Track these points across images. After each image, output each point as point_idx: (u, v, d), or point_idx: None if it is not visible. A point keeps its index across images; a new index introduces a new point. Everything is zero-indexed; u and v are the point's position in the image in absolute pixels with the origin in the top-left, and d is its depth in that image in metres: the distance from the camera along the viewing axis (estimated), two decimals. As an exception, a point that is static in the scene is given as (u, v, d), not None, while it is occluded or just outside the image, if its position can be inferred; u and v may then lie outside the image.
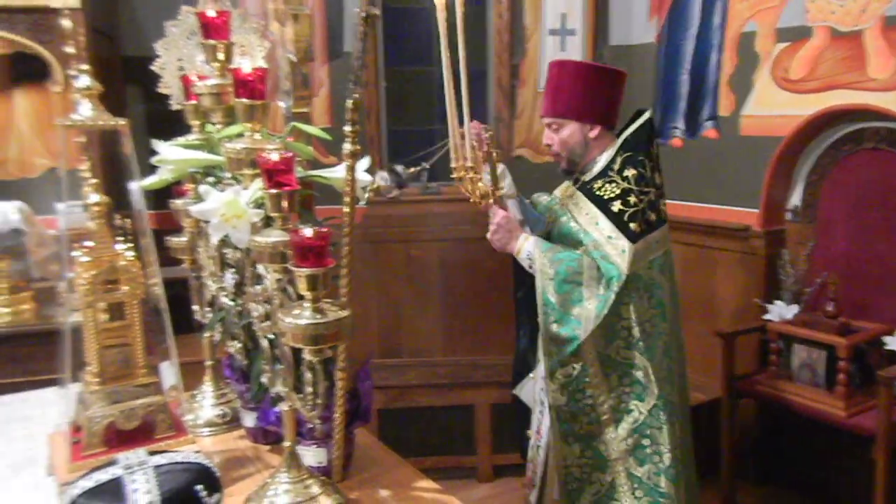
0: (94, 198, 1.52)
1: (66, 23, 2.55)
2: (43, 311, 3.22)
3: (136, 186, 1.55)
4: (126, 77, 3.53)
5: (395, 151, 4.05)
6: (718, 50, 3.63)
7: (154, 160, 1.54)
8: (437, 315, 4.12)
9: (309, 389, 1.36)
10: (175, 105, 1.93)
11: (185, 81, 1.67)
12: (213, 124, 1.67)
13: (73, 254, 1.53)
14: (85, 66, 1.45)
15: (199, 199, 1.66)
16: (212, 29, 1.46)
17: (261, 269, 1.43)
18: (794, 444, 3.46)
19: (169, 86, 1.90)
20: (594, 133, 2.18)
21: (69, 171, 1.62)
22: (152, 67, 1.86)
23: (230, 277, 1.68)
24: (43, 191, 3.57)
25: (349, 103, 1.35)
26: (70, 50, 2.62)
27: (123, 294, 1.56)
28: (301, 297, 1.30)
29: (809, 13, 3.21)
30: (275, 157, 1.27)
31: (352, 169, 1.41)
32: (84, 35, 1.57)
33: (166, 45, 1.84)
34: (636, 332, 2.05)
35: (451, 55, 1.89)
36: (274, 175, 1.29)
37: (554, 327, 2.05)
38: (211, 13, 1.44)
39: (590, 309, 2.01)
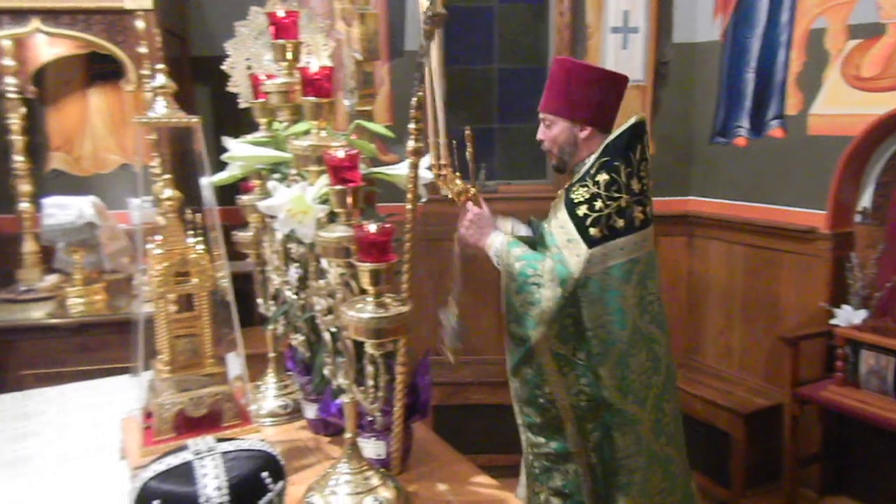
0: (168, 193, 1.57)
1: (139, 24, 2.66)
2: (113, 302, 3.35)
3: (207, 182, 1.60)
4: (195, 76, 3.63)
5: (456, 150, 4.07)
6: (786, 47, 3.54)
7: (224, 157, 1.59)
8: (491, 313, 4.11)
9: (370, 382, 1.38)
10: (243, 103, 1.98)
11: (254, 80, 1.71)
12: (280, 122, 1.71)
13: (147, 247, 1.59)
14: (161, 66, 1.50)
15: (265, 195, 1.71)
16: (281, 29, 1.49)
17: (324, 263, 1.46)
18: (859, 453, 3.35)
19: (237, 84, 1.96)
20: (584, 134, 2.17)
21: (143, 167, 1.68)
22: (222, 67, 1.91)
23: (294, 272, 1.72)
24: (115, 186, 3.72)
25: (413, 101, 1.37)
26: (143, 50, 2.74)
27: (193, 286, 1.61)
28: (364, 292, 1.32)
29: (883, 10, 3.10)
30: (341, 154, 1.30)
31: (415, 166, 1.43)
32: (160, 36, 1.62)
33: (235, 45, 1.89)
34: (588, 335, 2.05)
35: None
36: (339, 172, 1.32)
37: (513, 326, 2.10)
38: (280, 13, 1.47)
39: (545, 310, 2.03)
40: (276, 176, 1.68)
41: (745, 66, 3.75)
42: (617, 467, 2.08)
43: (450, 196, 2.12)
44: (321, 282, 1.52)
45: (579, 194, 2.06)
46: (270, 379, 1.96)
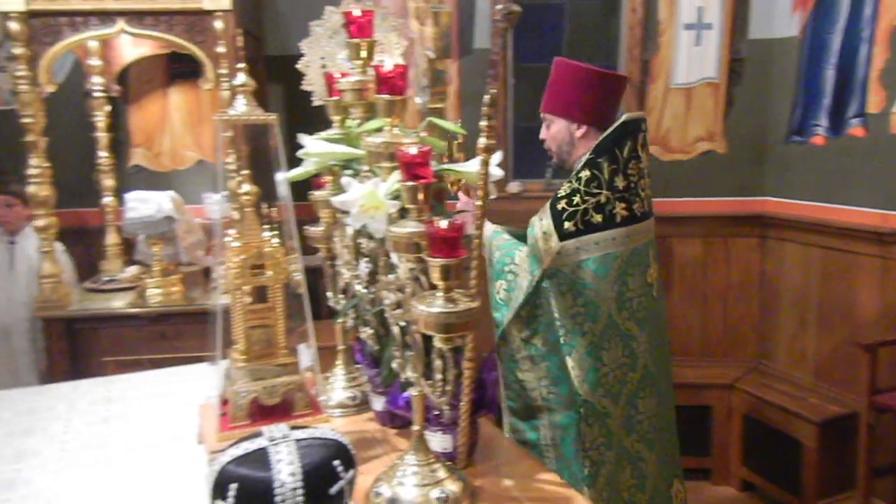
0: (245, 188, 1.62)
1: (218, 24, 2.75)
2: (189, 294, 3.47)
3: (282, 178, 1.65)
4: (269, 75, 3.73)
5: (521, 148, 4.07)
6: (868, 43, 3.41)
7: (299, 153, 1.63)
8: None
9: (438, 376, 1.40)
10: (316, 101, 2.03)
11: (329, 78, 1.75)
12: (353, 119, 1.75)
13: (225, 240, 1.65)
14: (242, 65, 1.55)
15: (337, 191, 1.75)
16: (356, 28, 1.53)
17: (394, 258, 1.48)
18: (942, 467, 3.21)
19: (312, 83, 2.00)
20: (580, 132, 2.22)
21: (220, 163, 1.74)
22: (297, 66, 1.96)
23: (364, 266, 1.75)
24: (191, 181, 3.85)
25: (486, 99, 1.38)
26: (221, 49, 2.83)
27: (268, 278, 1.66)
28: (433, 287, 1.34)
29: (976, 2, 2.97)
30: (413, 150, 1.32)
31: (486, 163, 1.45)
32: (241, 35, 1.67)
33: (310, 44, 1.93)
34: (556, 326, 2.07)
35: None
36: (411, 168, 1.34)
37: (493, 311, 2.18)
38: (356, 13, 1.50)
39: (515, 298, 2.11)
40: (348, 172, 1.72)
41: (825, 62, 3.63)
42: (582, 458, 2.07)
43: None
44: (391, 276, 1.55)
45: (563, 189, 2.11)
46: (339, 371, 2.00)
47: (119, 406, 1.93)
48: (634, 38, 3.93)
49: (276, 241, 1.70)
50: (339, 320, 1.96)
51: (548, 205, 2.12)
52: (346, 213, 1.82)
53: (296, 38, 2.02)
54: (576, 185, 2.08)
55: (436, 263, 1.29)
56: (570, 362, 2.06)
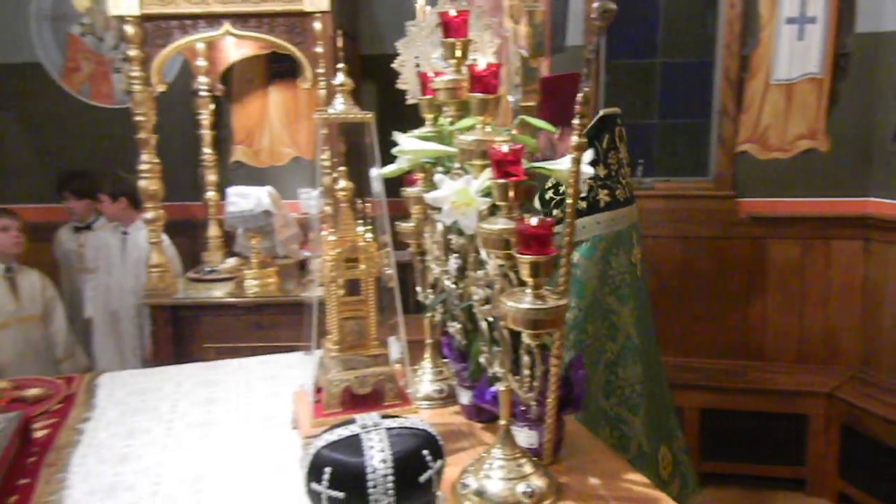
0: (341, 184, 1.68)
1: (317, 25, 2.84)
2: (284, 285, 3.60)
3: (377, 174, 1.70)
4: (363, 74, 3.82)
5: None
6: None
7: (394, 150, 1.68)
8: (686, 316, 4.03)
9: (526, 372, 1.41)
10: (410, 100, 2.07)
11: (423, 77, 1.79)
12: (445, 117, 1.78)
13: (322, 234, 1.71)
14: (341, 65, 1.60)
15: (429, 188, 1.79)
16: (451, 27, 1.55)
17: (484, 254, 1.51)
18: None
19: (406, 81, 2.05)
20: (557, 135, 2.39)
21: (318, 160, 1.80)
22: (392, 65, 2.01)
23: (454, 262, 1.78)
24: (288, 177, 3.99)
25: (580, 97, 1.39)
26: (319, 49, 2.92)
27: (361, 272, 1.71)
28: (522, 283, 1.36)
29: None
30: (505, 148, 1.34)
31: (577, 161, 1.45)
32: (341, 37, 1.73)
33: (405, 44, 1.97)
34: None
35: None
36: (503, 166, 1.36)
37: None
38: (452, 12, 1.53)
39: None
40: (440, 169, 1.75)
41: (941, 56, 3.43)
42: None
43: None
44: (480, 272, 1.57)
45: (550, 181, 2.27)
46: (427, 364, 2.04)
47: (220, 390, 2.03)
48: (733, 33, 3.82)
49: (369, 235, 1.75)
50: (428, 315, 2.00)
51: (536, 196, 2.29)
52: (437, 209, 1.86)
53: (390, 37, 2.08)
54: None
55: (525, 260, 1.31)
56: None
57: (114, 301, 3.73)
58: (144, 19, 2.94)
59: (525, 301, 1.32)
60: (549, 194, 2.27)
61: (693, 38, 4.12)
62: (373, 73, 3.69)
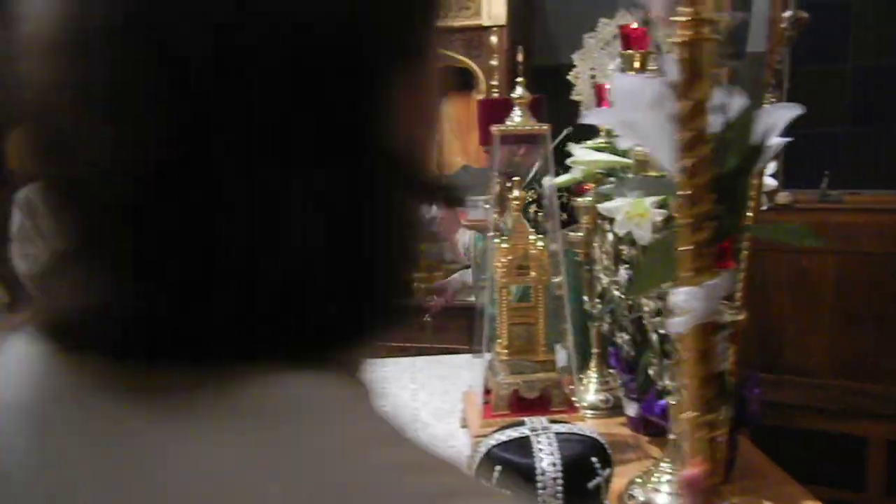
0: (515, 193, 1.74)
1: (494, 39, 2.93)
2: (450, 290, 3.71)
3: (550, 184, 1.74)
4: (535, 85, 3.86)
5: (794, 155, 3.80)
6: None
7: (569, 161, 1.71)
8: (825, 333, 3.77)
9: (698, 387, 1.39)
10: (584, 111, 2.10)
11: (599, 89, 1.81)
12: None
13: (495, 241, 1.77)
14: (520, 79, 1.66)
15: (600, 198, 1.80)
16: (631, 39, 1.56)
17: (658, 266, 1.50)
18: None
19: (580, 93, 2.07)
20: (521, 151, 2.38)
21: (494, 170, 1.87)
22: (568, 77, 2.04)
23: (624, 272, 1.78)
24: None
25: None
26: (494, 63, 3.01)
27: (532, 279, 1.76)
28: (698, 297, 1.34)
29: None
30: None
31: (760, 174, 1.41)
32: (521, 52, 1.79)
33: (582, 56, 2.00)
34: None
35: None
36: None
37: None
38: (633, 25, 1.54)
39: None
40: (611, 180, 1.76)
41: None
42: None
43: None
44: (652, 284, 1.57)
45: (528, 196, 2.32)
46: (593, 373, 2.05)
47: (395, 385, 2.15)
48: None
49: (540, 244, 1.79)
50: (595, 324, 2.01)
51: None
52: (607, 219, 1.87)
53: (562, 48, 2.11)
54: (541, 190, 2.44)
55: (702, 273, 1.29)
56: None
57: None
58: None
59: (700, 315, 1.30)
60: (533, 209, 2.39)
61: (887, 43, 3.81)
62: (544, 84, 3.72)
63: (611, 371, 2.01)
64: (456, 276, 3.27)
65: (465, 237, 2.75)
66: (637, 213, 1.52)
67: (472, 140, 4.00)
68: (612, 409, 1.96)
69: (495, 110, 2.67)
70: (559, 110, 2.19)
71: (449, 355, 2.44)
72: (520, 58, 1.71)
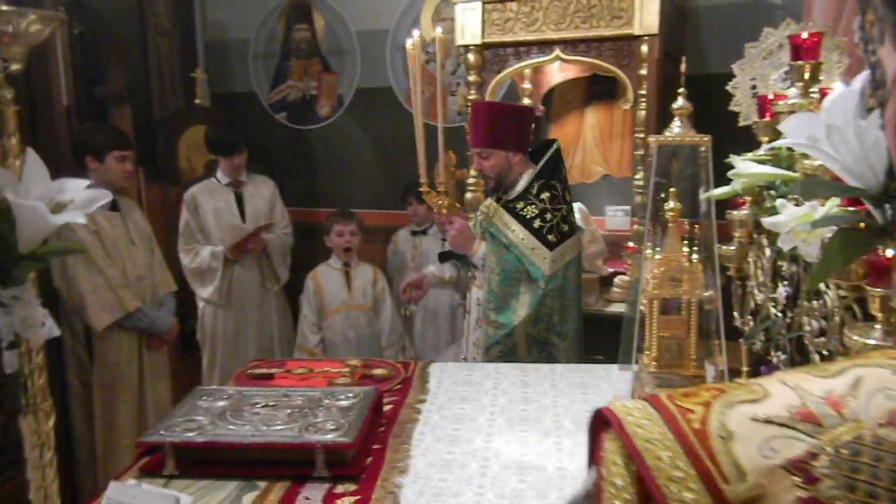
0: (670, 204, 1.72)
1: (644, 48, 2.90)
2: (586, 299, 3.68)
3: (707, 196, 1.71)
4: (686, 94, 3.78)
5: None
6: None
7: (731, 173, 1.68)
8: None
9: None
10: (743, 122, 2.04)
11: (762, 100, 1.76)
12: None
13: (647, 252, 1.76)
14: (682, 90, 1.65)
15: (760, 212, 1.75)
16: (802, 50, 1.52)
17: (822, 284, 1.44)
18: None
19: (739, 103, 2.02)
20: (516, 158, 2.72)
21: (652, 181, 1.85)
22: (727, 87, 2.00)
23: (783, 290, 1.72)
24: (597, 194, 4.09)
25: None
26: (643, 72, 2.98)
27: (683, 291, 1.74)
28: (869, 318, 1.28)
29: None
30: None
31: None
32: (683, 63, 1.77)
33: (742, 66, 1.95)
34: (555, 318, 2.68)
35: None
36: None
37: (492, 314, 2.70)
38: (804, 35, 1.50)
39: (524, 301, 2.66)
40: (772, 193, 1.71)
41: None
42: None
43: (437, 210, 2.81)
44: (815, 303, 1.51)
45: (529, 211, 2.65)
46: (742, 392, 1.99)
47: (533, 391, 2.17)
48: None
49: (694, 256, 1.77)
50: (748, 342, 1.95)
51: (517, 225, 2.65)
52: (764, 233, 1.81)
53: (714, 57, 2.07)
54: (542, 205, 2.65)
55: (876, 294, 1.24)
56: (562, 346, 2.72)
57: (431, 300, 4.11)
58: (485, 47, 3.24)
59: (873, 337, 1.25)
60: (538, 223, 2.63)
61: None
62: (695, 93, 3.63)
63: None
64: (431, 268, 3.32)
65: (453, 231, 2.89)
66: (805, 230, 1.47)
67: (614, 149, 3.96)
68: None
69: (526, 115, 2.79)
70: (710, 120, 2.14)
71: (590, 364, 2.44)
72: (682, 68, 1.69)
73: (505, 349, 2.69)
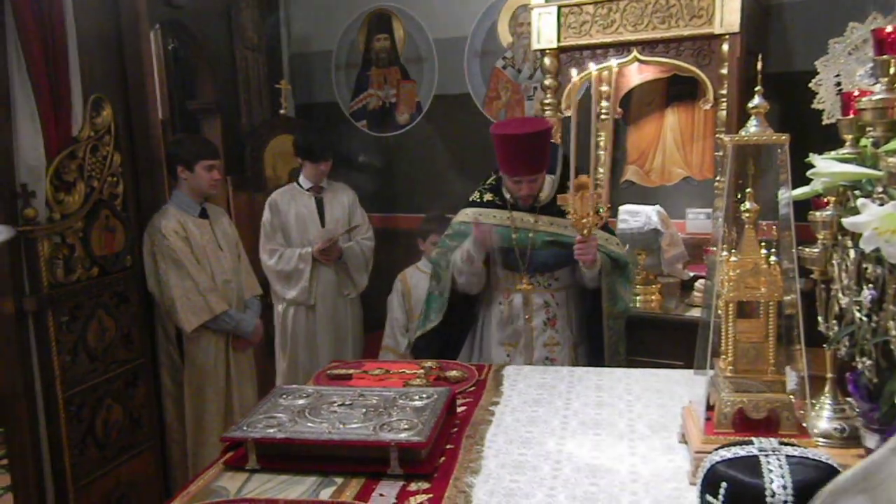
0: (747, 205, 1.68)
1: (725, 47, 2.83)
2: (666, 304, 3.63)
3: (787, 197, 1.66)
4: (767, 93, 3.66)
5: None
6: None
7: (810, 172, 1.63)
8: None
9: (956, 421, 1.27)
10: (827, 119, 1.97)
11: (846, 97, 1.70)
12: (868, 139, 1.67)
13: (723, 254, 1.73)
14: (758, 88, 1.61)
15: (844, 212, 1.69)
16: (887, 44, 1.46)
17: (910, 287, 1.39)
18: None
19: (822, 101, 1.96)
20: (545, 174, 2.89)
21: (729, 182, 1.82)
22: (810, 85, 1.94)
23: (868, 293, 1.66)
24: (676, 197, 4.01)
25: None
26: (724, 71, 2.91)
27: (761, 294, 1.69)
28: (959, 323, 1.23)
29: None
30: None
31: None
32: (760, 61, 1.74)
33: (826, 63, 1.89)
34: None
35: None
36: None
37: (609, 305, 2.91)
38: (888, 29, 1.44)
39: (622, 285, 2.95)
40: (857, 193, 1.65)
41: None
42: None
43: (574, 223, 2.68)
44: (903, 306, 1.45)
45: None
46: (827, 400, 1.92)
47: (607, 395, 2.16)
48: None
49: (773, 258, 1.72)
50: (832, 347, 1.88)
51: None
52: (848, 235, 1.75)
53: (800, 54, 2.00)
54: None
55: (966, 298, 1.19)
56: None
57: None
58: (561, 51, 3.23)
59: (962, 342, 1.19)
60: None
61: None
62: (776, 91, 3.52)
63: (848, 399, 1.87)
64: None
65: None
66: (889, 230, 1.41)
67: (695, 151, 3.88)
68: (847, 438, 1.83)
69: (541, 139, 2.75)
70: (795, 120, 2.08)
71: (665, 369, 2.40)
72: (759, 66, 1.65)
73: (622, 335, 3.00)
